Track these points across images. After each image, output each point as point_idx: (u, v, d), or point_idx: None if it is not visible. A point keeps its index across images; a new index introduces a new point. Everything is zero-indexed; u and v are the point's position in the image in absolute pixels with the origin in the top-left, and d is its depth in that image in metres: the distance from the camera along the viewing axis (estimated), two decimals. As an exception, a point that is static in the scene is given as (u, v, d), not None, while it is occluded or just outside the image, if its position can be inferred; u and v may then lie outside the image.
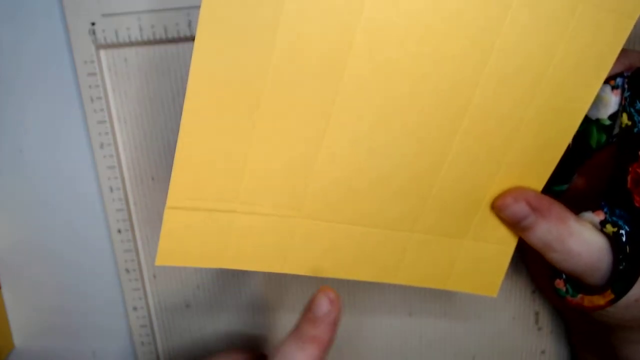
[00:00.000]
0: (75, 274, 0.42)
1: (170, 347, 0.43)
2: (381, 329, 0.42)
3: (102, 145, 0.38)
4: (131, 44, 0.36)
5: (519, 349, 0.42)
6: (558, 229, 0.28)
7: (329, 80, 0.26)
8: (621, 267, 0.28)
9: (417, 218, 0.30)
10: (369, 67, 0.26)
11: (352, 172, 0.28)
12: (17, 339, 0.44)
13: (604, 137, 0.30)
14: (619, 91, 0.29)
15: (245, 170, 0.27)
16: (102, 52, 0.37)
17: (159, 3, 0.35)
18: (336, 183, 0.28)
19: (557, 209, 0.29)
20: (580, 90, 0.28)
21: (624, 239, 0.28)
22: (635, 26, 0.26)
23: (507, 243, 0.31)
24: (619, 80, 0.29)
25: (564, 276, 0.30)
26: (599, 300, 0.29)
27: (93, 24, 0.36)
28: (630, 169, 0.28)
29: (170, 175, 0.27)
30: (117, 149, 0.38)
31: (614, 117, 0.29)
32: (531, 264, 0.38)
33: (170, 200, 0.28)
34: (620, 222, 0.28)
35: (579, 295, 0.30)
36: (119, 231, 0.40)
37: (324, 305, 0.30)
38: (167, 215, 0.28)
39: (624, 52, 0.27)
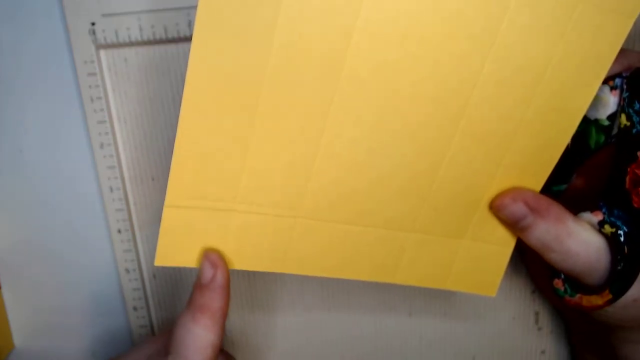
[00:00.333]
0: (75, 274, 0.42)
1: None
2: (381, 329, 0.42)
3: (102, 145, 0.38)
4: (131, 44, 0.36)
5: (519, 349, 0.42)
6: (556, 229, 0.28)
7: (327, 80, 0.26)
8: (619, 268, 0.28)
9: (416, 218, 0.30)
10: (367, 67, 0.26)
11: (351, 172, 0.28)
12: (17, 339, 0.44)
13: (602, 138, 0.30)
14: (617, 92, 0.29)
15: (244, 170, 0.27)
16: (102, 52, 0.37)
17: (159, 3, 0.35)
18: (335, 183, 0.29)
19: (556, 209, 0.29)
20: (579, 91, 0.28)
21: (622, 239, 0.28)
22: (634, 26, 0.26)
23: (505, 243, 0.32)
24: (617, 81, 0.29)
25: (562, 276, 0.30)
26: (597, 300, 0.29)
27: (93, 24, 0.36)
28: (628, 169, 0.28)
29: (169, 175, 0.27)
30: (117, 149, 0.38)
31: (612, 117, 0.29)
32: (530, 264, 0.38)
33: (169, 199, 0.28)
34: (619, 223, 0.28)
35: (578, 295, 0.30)
36: (119, 231, 0.40)
37: (207, 271, 0.29)
38: (166, 213, 0.28)
39: (622, 52, 0.27)
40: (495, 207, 0.30)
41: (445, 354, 0.42)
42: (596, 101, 0.29)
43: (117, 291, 0.42)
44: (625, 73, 0.28)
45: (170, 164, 0.27)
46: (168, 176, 0.27)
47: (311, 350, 0.43)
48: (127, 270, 0.41)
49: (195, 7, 0.35)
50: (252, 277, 0.41)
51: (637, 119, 0.28)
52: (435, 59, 0.26)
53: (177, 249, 0.29)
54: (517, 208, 0.29)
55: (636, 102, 0.28)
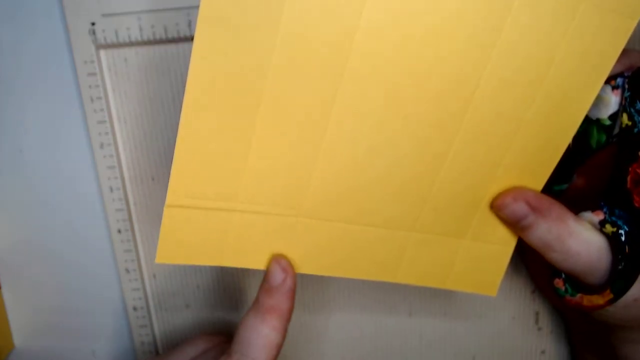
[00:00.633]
0: (75, 274, 0.42)
1: (170, 347, 0.43)
2: (381, 329, 0.42)
3: (102, 145, 0.38)
4: (131, 44, 0.36)
5: (519, 349, 0.42)
6: (558, 229, 0.28)
7: (329, 80, 0.26)
8: (620, 267, 0.28)
9: (417, 217, 0.30)
10: (369, 67, 0.26)
11: (352, 171, 0.28)
12: (17, 339, 0.44)
13: (604, 137, 0.30)
14: (619, 91, 0.29)
15: (245, 169, 0.28)
16: (102, 52, 0.37)
17: (159, 3, 0.35)
18: (336, 182, 0.29)
19: (557, 209, 0.29)
20: (581, 91, 0.28)
21: (623, 239, 0.28)
22: (635, 26, 0.26)
23: (506, 243, 0.32)
24: (619, 80, 0.29)
25: (563, 276, 0.30)
26: (598, 299, 0.29)
27: (93, 24, 0.36)
28: (630, 169, 0.28)
29: (170, 175, 0.27)
30: (117, 149, 0.38)
31: (614, 117, 0.29)
32: (531, 264, 0.38)
33: (170, 199, 0.28)
34: (620, 222, 0.28)
35: (578, 295, 0.30)
36: (119, 231, 0.40)
37: (278, 275, 0.30)
38: (167, 213, 0.28)
39: (624, 52, 0.27)
40: (496, 207, 0.30)
41: (445, 354, 0.42)
42: (598, 101, 0.29)
43: (117, 291, 0.42)
44: (627, 73, 0.28)
45: (170, 163, 0.27)
46: (168, 176, 0.27)
47: (311, 350, 0.43)
48: (127, 270, 0.41)
49: (195, 7, 0.35)
50: (251, 276, 0.41)
51: (639, 118, 0.28)
52: (437, 58, 0.26)
53: (178, 247, 0.29)
54: (518, 207, 0.29)
55: (638, 102, 0.28)
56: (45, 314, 0.43)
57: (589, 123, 0.30)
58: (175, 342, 0.43)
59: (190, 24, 0.35)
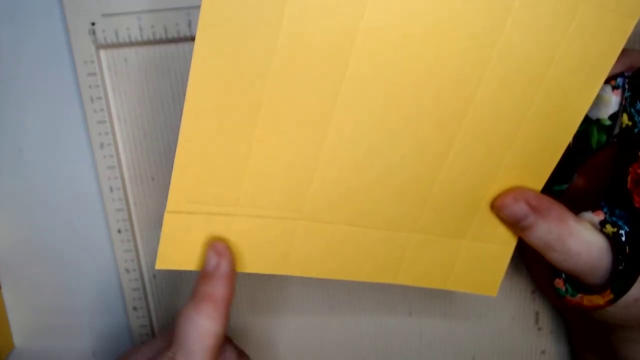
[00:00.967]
0: (75, 274, 0.42)
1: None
2: (381, 329, 0.42)
3: (102, 145, 0.38)
4: (131, 44, 0.36)
5: (519, 349, 0.42)
6: (558, 229, 0.28)
7: (330, 82, 0.26)
8: (620, 267, 0.28)
9: (417, 218, 0.30)
10: (370, 67, 0.26)
11: (352, 173, 0.28)
12: (17, 339, 0.44)
13: (604, 137, 0.30)
14: (619, 91, 0.29)
15: (246, 173, 0.27)
16: (102, 52, 0.37)
17: (159, 3, 0.35)
18: (336, 184, 0.29)
19: (557, 209, 0.29)
20: (581, 90, 0.28)
21: (623, 239, 0.28)
22: (635, 26, 0.26)
23: (506, 243, 0.32)
24: (619, 80, 0.29)
25: (563, 276, 0.30)
26: (599, 300, 0.29)
27: (93, 24, 0.36)
28: (630, 169, 0.28)
29: (170, 176, 0.27)
30: (117, 149, 0.38)
31: (614, 117, 0.29)
32: (531, 264, 0.38)
33: (170, 205, 0.28)
34: (620, 223, 0.28)
35: (579, 295, 0.30)
36: (119, 231, 0.40)
37: (212, 259, 0.28)
38: (167, 219, 0.28)
39: (624, 52, 0.27)
40: (497, 207, 0.30)
41: (445, 354, 0.42)
42: (598, 101, 0.29)
43: (117, 291, 0.42)
44: (627, 73, 0.28)
45: (170, 164, 0.27)
46: (168, 176, 0.27)
47: (311, 351, 0.43)
48: (127, 270, 0.41)
49: (195, 7, 0.35)
50: (252, 278, 0.41)
51: (639, 118, 0.28)
52: (437, 59, 0.26)
53: (178, 253, 0.29)
54: (519, 208, 0.29)
55: (638, 102, 0.28)
56: (45, 314, 0.43)
57: (589, 123, 0.30)
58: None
59: (190, 24, 0.35)
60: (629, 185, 0.28)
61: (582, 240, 0.28)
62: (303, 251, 0.30)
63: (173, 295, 0.42)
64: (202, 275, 0.29)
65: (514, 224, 0.30)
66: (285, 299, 0.42)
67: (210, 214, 0.28)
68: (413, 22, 0.25)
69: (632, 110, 0.28)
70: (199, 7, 0.24)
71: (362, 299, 0.41)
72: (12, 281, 0.42)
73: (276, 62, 0.25)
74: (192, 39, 0.35)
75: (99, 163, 0.38)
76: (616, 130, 0.29)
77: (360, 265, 0.31)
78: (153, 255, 0.41)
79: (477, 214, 0.30)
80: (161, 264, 0.29)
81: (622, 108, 0.29)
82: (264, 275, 0.40)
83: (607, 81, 0.28)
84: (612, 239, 0.28)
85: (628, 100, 0.28)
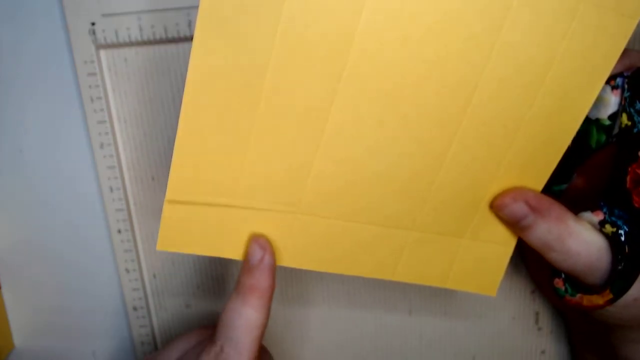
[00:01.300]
0: (75, 274, 0.42)
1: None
2: (381, 328, 0.42)
3: (102, 145, 0.38)
4: (131, 44, 0.36)
5: (519, 349, 0.42)
6: (558, 229, 0.28)
7: (328, 79, 0.26)
8: (620, 267, 0.28)
9: (416, 216, 0.30)
10: (368, 67, 0.26)
11: (351, 170, 0.28)
12: (17, 339, 0.44)
13: (603, 137, 0.30)
14: (619, 91, 0.29)
15: (244, 166, 0.28)
16: (102, 52, 0.37)
17: (159, 3, 0.35)
18: (334, 180, 0.29)
19: (557, 209, 0.29)
20: (581, 91, 0.28)
21: (622, 239, 0.28)
22: (636, 26, 0.26)
23: (506, 243, 0.32)
24: (619, 80, 0.29)
25: (563, 276, 0.30)
26: (598, 299, 0.29)
27: (93, 24, 0.36)
28: (629, 169, 0.28)
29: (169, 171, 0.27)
30: (117, 149, 0.38)
31: (613, 117, 0.29)
32: (531, 264, 0.38)
33: (169, 194, 0.28)
34: (619, 223, 0.28)
35: (578, 295, 0.30)
36: (119, 231, 0.40)
37: (256, 253, 0.29)
38: (166, 208, 0.28)
39: (624, 52, 0.27)
40: (496, 207, 0.30)
41: (445, 354, 0.42)
42: (597, 101, 0.29)
43: (117, 291, 0.42)
44: (627, 73, 0.28)
45: (170, 163, 0.27)
46: (168, 176, 0.27)
47: (311, 350, 0.43)
48: (127, 270, 0.41)
49: (195, 7, 0.35)
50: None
51: (638, 118, 0.28)
52: (436, 58, 0.26)
53: (178, 236, 0.29)
54: (518, 207, 0.29)
55: (637, 102, 0.28)
56: (45, 314, 0.43)
57: (588, 123, 0.30)
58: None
59: (190, 24, 0.36)
60: (628, 185, 0.28)
61: (581, 240, 0.28)
62: (300, 244, 0.30)
63: (173, 295, 0.42)
64: (246, 269, 0.30)
65: (513, 223, 0.30)
66: (284, 295, 0.42)
67: (208, 205, 0.28)
68: (412, 22, 0.25)
69: (632, 110, 0.28)
70: (198, 6, 0.24)
71: (361, 298, 0.41)
72: (12, 281, 0.42)
73: (274, 58, 0.25)
74: (192, 38, 0.35)
75: (99, 163, 0.39)
76: (615, 130, 0.29)
77: (358, 260, 0.31)
78: (153, 255, 0.41)
79: (477, 213, 0.30)
80: (162, 246, 0.29)
81: (622, 108, 0.29)
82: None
83: (606, 81, 0.28)
84: (612, 239, 0.28)
85: (627, 100, 0.28)
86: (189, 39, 0.36)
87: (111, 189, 0.39)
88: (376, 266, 0.31)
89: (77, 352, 0.44)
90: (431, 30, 0.25)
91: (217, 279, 0.41)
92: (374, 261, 0.31)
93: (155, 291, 0.42)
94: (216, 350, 0.29)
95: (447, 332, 0.42)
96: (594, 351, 0.38)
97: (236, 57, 0.25)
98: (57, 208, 0.41)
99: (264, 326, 0.30)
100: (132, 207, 0.40)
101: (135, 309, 0.42)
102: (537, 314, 0.41)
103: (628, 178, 0.28)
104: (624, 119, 0.28)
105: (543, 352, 0.42)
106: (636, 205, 0.28)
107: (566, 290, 0.30)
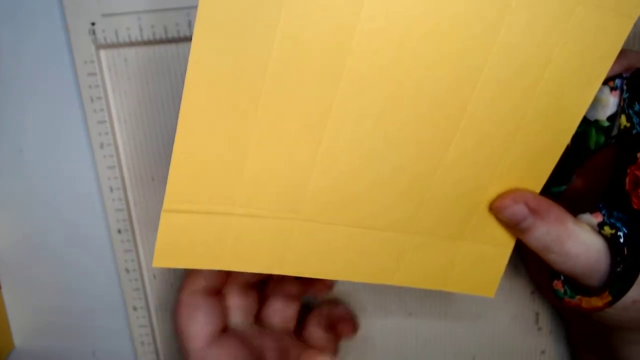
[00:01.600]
0: (75, 274, 0.42)
1: (170, 347, 0.43)
2: (380, 329, 0.42)
3: (102, 145, 0.38)
4: (131, 44, 0.37)
5: (519, 349, 0.42)
6: (557, 231, 0.28)
7: (327, 82, 0.26)
8: (619, 269, 0.28)
9: (415, 220, 0.30)
10: (367, 70, 0.26)
11: (350, 175, 0.28)
12: (17, 339, 0.44)
13: (602, 139, 0.30)
14: (617, 92, 0.29)
15: (243, 173, 0.27)
16: (102, 52, 0.37)
17: (159, 3, 0.35)
18: (334, 185, 0.28)
19: (556, 211, 0.29)
20: (579, 91, 0.28)
21: (621, 241, 0.28)
22: (634, 26, 0.26)
23: (505, 244, 0.31)
24: (617, 82, 0.28)
25: (562, 277, 0.30)
26: (597, 301, 0.29)
27: (93, 24, 0.36)
28: (628, 170, 0.28)
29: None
30: (117, 149, 0.38)
31: (612, 118, 0.29)
32: (530, 265, 0.38)
33: (167, 204, 0.27)
34: (618, 224, 0.28)
35: (577, 297, 0.30)
36: (119, 231, 0.40)
37: None
38: (164, 218, 0.28)
39: (623, 52, 0.27)
40: (496, 209, 0.30)
41: (445, 354, 0.42)
42: (596, 102, 0.29)
43: (117, 291, 0.42)
44: (626, 74, 0.28)
45: (170, 163, 0.27)
46: (167, 176, 0.27)
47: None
48: (127, 270, 0.41)
49: (195, 7, 0.35)
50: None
51: (637, 120, 0.28)
52: (435, 60, 0.26)
53: (175, 251, 0.29)
54: (518, 209, 0.29)
55: (636, 103, 0.28)
56: (45, 314, 0.43)
57: (587, 124, 0.30)
58: (175, 343, 0.43)
59: (190, 24, 0.36)
60: (627, 187, 0.28)
61: (580, 242, 0.28)
62: (300, 251, 0.30)
63: (173, 295, 0.42)
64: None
65: (512, 225, 0.30)
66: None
67: (207, 213, 0.28)
68: (410, 23, 0.25)
69: (631, 111, 0.28)
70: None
71: (360, 299, 0.41)
72: (12, 281, 0.43)
73: (273, 62, 0.25)
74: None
75: (99, 163, 0.39)
76: (614, 132, 0.29)
77: (358, 266, 0.31)
78: (153, 255, 0.41)
79: (476, 215, 0.30)
80: (158, 262, 0.29)
81: (621, 109, 0.29)
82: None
83: (605, 82, 0.28)
84: (610, 241, 0.28)
85: (626, 101, 0.28)
86: (189, 39, 0.36)
87: (111, 189, 0.39)
88: (376, 271, 0.31)
89: (77, 352, 0.44)
90: (430, 31, 0.25)
91: (216, 279, 0.41)
92: (373, 266, 0.31)
93: (155, 291, 0.42)
94: None
95: (446, 332, 0.42)
96: (593, 352, 0.38)
97: (235, 61, 0.25)
98: (57, 208, 0.41)
99: None
100: (132, 207, 0.40)
101: (135, 309, 0.42)
102: (537, 314, 0.41)
103: (627, 180, 0.28)
104: (623, 120, 0.28)
105: (543, 352, 0.41)
106: (635, 207, 0.28)
107: (565, 292, 0.30)
